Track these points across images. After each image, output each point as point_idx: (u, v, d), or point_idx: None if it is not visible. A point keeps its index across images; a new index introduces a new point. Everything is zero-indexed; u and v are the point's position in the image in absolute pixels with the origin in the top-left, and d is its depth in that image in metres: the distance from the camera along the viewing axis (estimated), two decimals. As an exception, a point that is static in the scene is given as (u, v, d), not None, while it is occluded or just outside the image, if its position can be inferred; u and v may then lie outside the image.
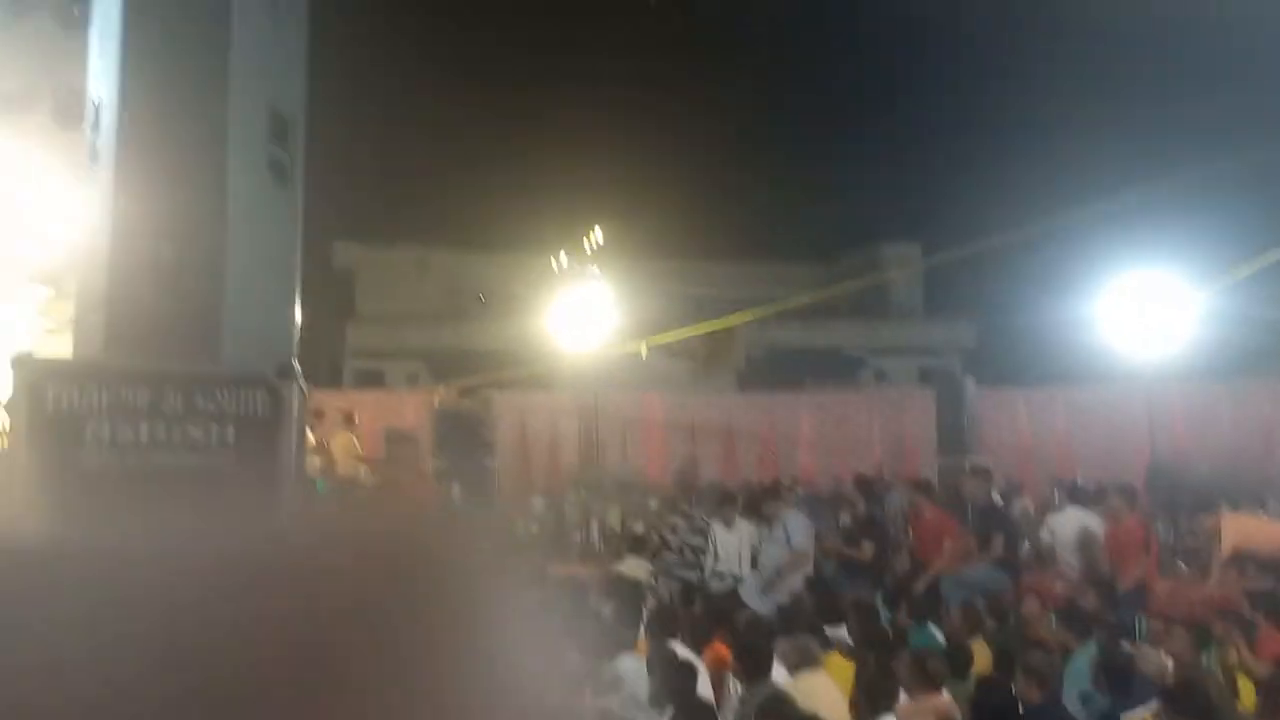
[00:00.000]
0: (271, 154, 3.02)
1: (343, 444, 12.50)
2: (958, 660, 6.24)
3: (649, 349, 18.21)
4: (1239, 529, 8.42)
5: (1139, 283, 14.39)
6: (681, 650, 6.64)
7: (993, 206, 15.10)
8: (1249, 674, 6.46)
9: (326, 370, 22.15)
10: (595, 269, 16.57)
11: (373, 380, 22.72)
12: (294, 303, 3.63)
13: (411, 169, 23.70)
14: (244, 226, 2.84)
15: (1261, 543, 8.21)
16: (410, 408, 17.14)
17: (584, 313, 16.29)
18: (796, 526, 8.99)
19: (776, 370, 23.41)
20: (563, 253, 16.89)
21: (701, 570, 9.65)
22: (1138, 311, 14.46)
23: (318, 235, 24.47)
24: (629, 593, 8.16)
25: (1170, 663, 6.14)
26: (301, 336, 4.69)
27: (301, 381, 3.58)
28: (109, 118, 2.80)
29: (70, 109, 3.78)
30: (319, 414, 12.04)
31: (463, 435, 10.99)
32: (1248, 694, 6.09)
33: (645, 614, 7.45)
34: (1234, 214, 16.55)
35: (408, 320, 24.04)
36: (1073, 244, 16.80)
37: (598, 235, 16.61)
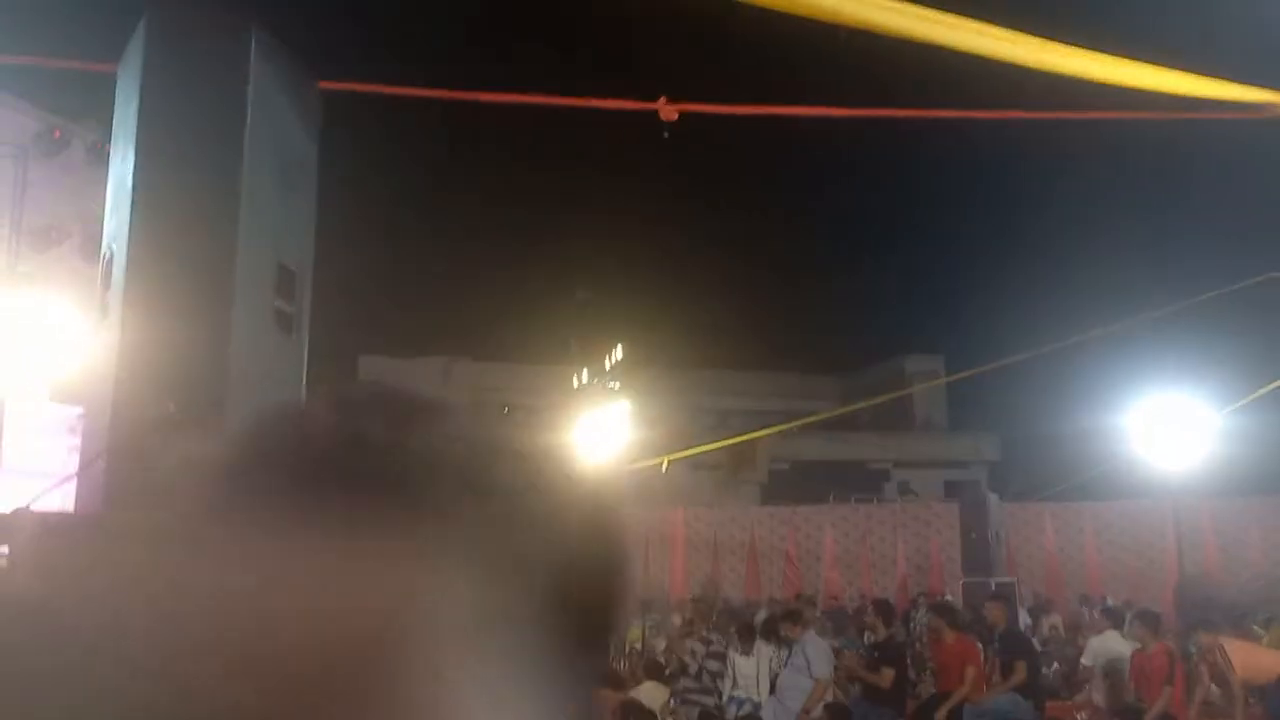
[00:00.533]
0: (277, 307, 3.13)
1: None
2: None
3: (671, 463, 18.22)
4: (1244, 656, 8.24)
5: (1161, 400, 14.32)
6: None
7: (1016, 321, 15.23)
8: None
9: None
10: (615, 384, 16.67)
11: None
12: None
13: (438, 283, 24.23)
14: (247, 378, 2.93)
15: (1254, 671, 8.03)
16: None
17: (604, 429, 16.34)
18: (816, 652, 8.83)
19: (800, 483, 23.31)
20: (585, 369, 17.04)
21: (719, 696, 9.47)
22: (1160, 427, 14.35)
23: (345, 350, 24.96)
24: (644, 720, 8.01)
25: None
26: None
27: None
28: (118, 272, 2.93)
29: (96, 243, 3.94)
30: None
31: None
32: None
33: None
34: (1253, 334, 16.53)
35: (432, 430, 24.19)
36: (1095, 360, 16.79)
37: (619, 352, 16.76)
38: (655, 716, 8.30)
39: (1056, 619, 15.11)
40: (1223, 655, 8.17)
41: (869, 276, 27.69)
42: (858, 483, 24.16)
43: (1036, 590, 16.96)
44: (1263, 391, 14.12)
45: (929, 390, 26.63)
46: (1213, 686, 8.26)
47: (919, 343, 24.82)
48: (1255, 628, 12.22)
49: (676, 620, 12.93)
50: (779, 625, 9.85)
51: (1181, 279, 14.15)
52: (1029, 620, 13.81)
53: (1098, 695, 8.87)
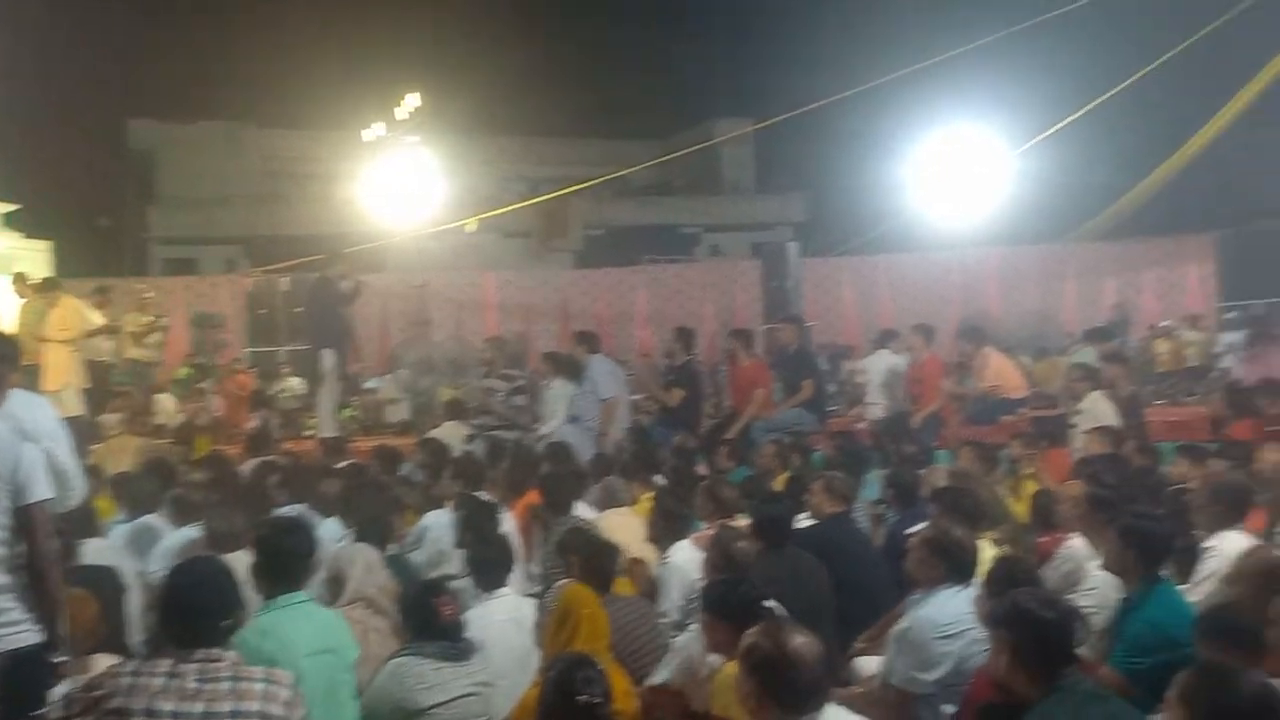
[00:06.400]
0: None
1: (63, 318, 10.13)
2: (755, 489, 6.28)
3: (479, 226, 17.74)
4: (996, 367, 9.04)
5: (953, 141, 14.68)
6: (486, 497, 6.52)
7: (823, 80, 15.05)
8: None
9: (130, 258, 20.77)
10: (416, 139, 15.78)
11: (185, 269, 21.40)
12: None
13: (215, 39, 22.01)
14: None
15: (1002, 380, 8.87)
16: (224, 293, 16.26)
17: (407, 186, 15.57)
18: (600, 375, 8.94)
19: (613, 249, 23.25)
20: (380, 124, 15.99)
21: (522, 429, 9.51)
22: (952, 174, 14.81)
23: (109, 113, 22.64)
24: (438, 454, 7.96)
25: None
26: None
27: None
28: None
29: None
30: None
31: (330, 309, 10.39)
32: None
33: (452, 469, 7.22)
34: (1045, 73, 17.02)
35: (220, 204, 22.61)
36: (894, 108, 16.97)
37: (415, 101, 15.76)
38: (448, 446, 8.28)
39: (855, 364, 15.94)
40: (981, 360, 8.83)
41: (677, 41, 26.93)
42: (670, 247, 24.34)
43: (835, 339, 17.73)
44: (1051, 131, 14.69)
45: (738, 155, 26.73)
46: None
47: (729, 106, 24.57)
48: (1024, 358, 13.17)
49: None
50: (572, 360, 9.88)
51: (985, 13, 14.23)
52: (828, 366, 14.53)
53: (875, 408, 9.42)
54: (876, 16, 21.69)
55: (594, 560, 4.28)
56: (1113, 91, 14.05)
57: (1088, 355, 9.93)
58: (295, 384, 13.33)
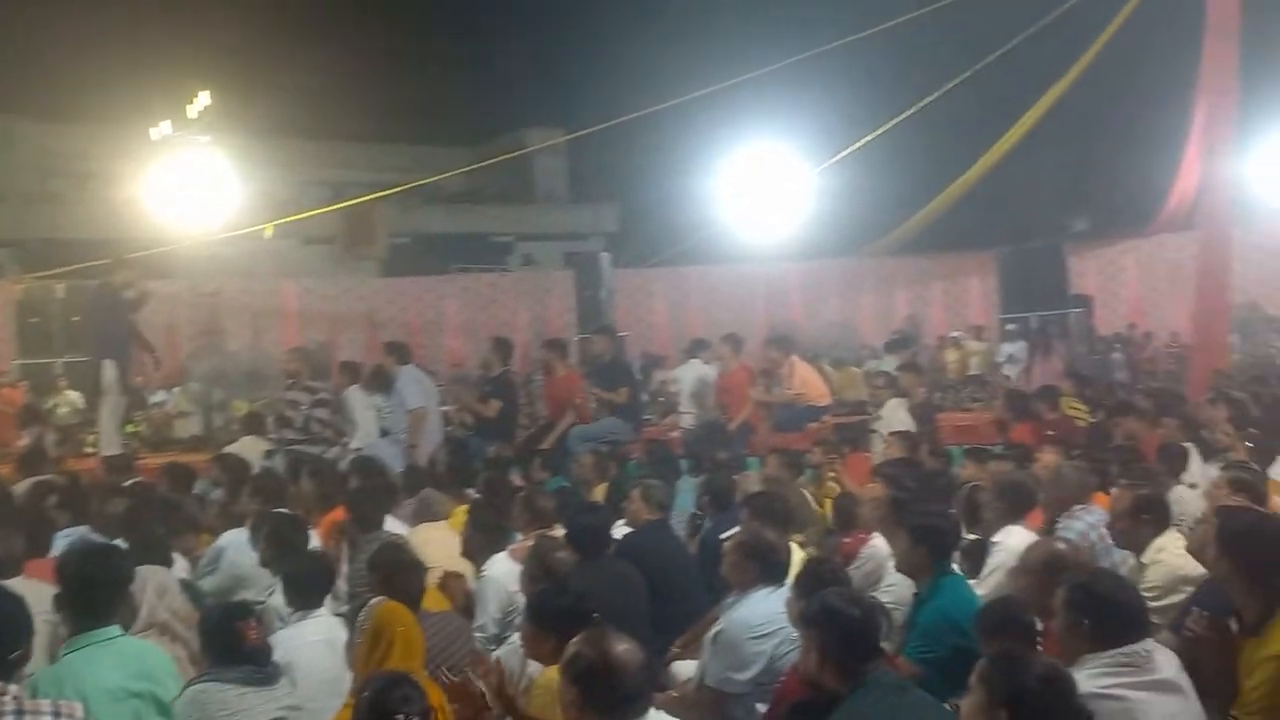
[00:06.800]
0: None
1: None
2: (572, 499, 6.27)
3: (277, 232, 16.94)
4: (802, 376, 9.49)
5: (758, 157, 15.17)
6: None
7: (635, 93, 15.25)
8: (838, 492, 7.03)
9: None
10: (208, 139, 14.93)
11: (-54, 272, 19.50)
12: None
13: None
14: None
15: (806, 388, 9.31)
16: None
17: (198, 189, 14.70)
18: (407, 386, 8.77)
19: (422, 257, 22.76)
20: (169, 122, 15.04)
21: (328, 444, 9.16)
22: (757, 189, 15.30)
23: None
24: (236, 470, 7.56)
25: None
26: None
27: None
28: None
29: None
30: None
31: (112, 318, 9.68)
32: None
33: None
34: (844, 95, 17.83)
35: (-13, 203, 20.76)
36: (704, 123, 17.39)
37: (208, 99, 14.90)
38: (247, 463, 7.88)
39: (667, 374, 16.22)
40: (788, 368, 9.17)
41: (488, 47, 26.71)
42: (482, 256, 24.05)
43: (646, 350, 17.99)
44: (848, 151, 15.42)
45: (551, 164, 26.72)
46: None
47: (541, 115, 24.52)
48: (826, 365, 13.75)
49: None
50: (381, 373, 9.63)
51: (796, 33, 14.79)
52: (641, 377, 14.74)
53: (687, 416, 9.61)
54: (688, 33, 22.21)
55: (401, 576, 4.15)
56: (903, 116, 14.89)
57: (888, 364, 10.48)
58: (73, 398, 12.45)
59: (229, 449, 8.92)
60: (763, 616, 4.17)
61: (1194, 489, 6.04)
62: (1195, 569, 4.20)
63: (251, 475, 7.20)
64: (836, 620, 3.24)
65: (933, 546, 4.24)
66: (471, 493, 7.07)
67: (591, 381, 9.46)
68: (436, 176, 18.47)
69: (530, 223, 25.37)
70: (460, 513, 6.44)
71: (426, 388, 9.23)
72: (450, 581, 5.27)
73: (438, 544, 5.77)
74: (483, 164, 20.02)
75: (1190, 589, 4.13)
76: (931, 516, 4.41)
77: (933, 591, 4.16)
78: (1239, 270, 12.41)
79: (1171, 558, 4.38)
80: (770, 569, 4.32)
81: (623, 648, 2.86)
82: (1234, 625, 3.50)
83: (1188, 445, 6.92)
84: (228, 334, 16.43)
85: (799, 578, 4.09)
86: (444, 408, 10.22)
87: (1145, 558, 4.47)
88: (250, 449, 8.87)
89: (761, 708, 4.03)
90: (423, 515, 6.39)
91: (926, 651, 3.93)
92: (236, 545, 5.95)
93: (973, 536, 5.06)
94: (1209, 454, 6.88)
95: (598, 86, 21.67)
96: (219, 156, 14.93)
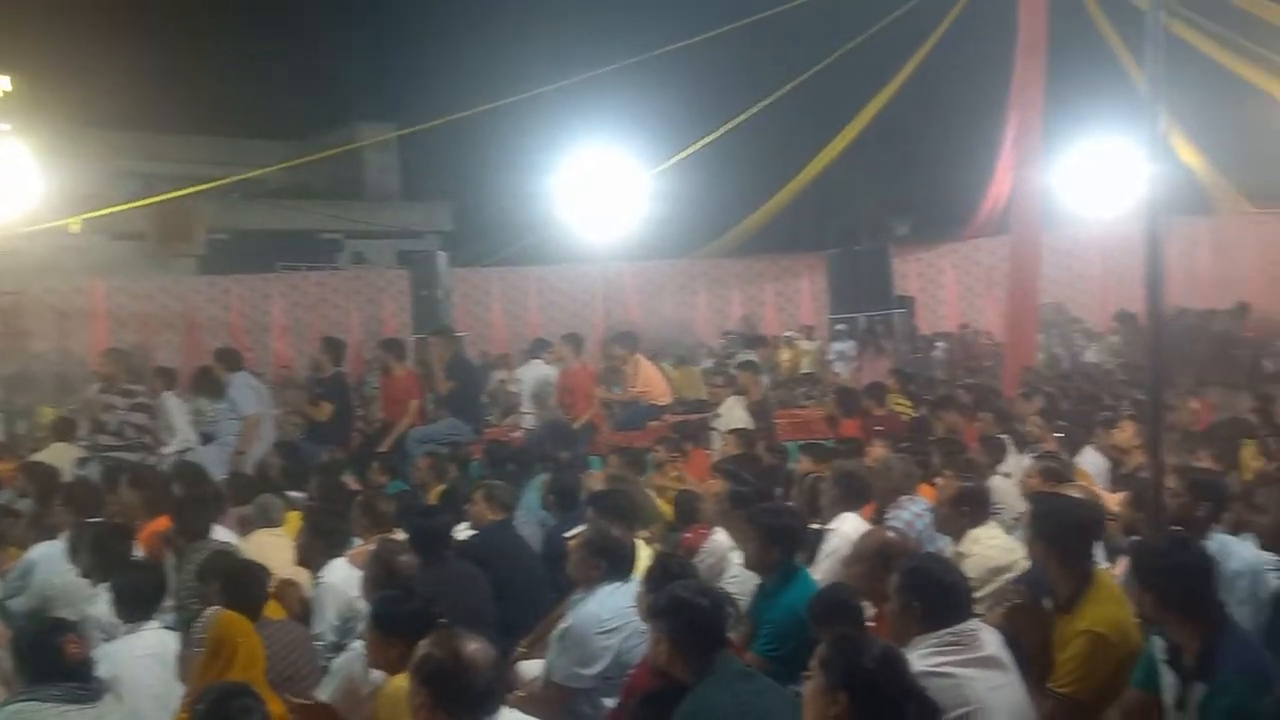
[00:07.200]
0: None
1: None
2: (412, 502, 6.16)
3: (83, 226, 15.90)
4: (645, 374, 9.65)
5: (595, 157, 15.22)
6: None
7: (471, 90, 15.05)
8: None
9: None
10: (6, 128, 13.88)
11: None
12: None
13: None
14: None
15: (648, 387, 9.51)
16: None
17: (-6, 177, 13.63)
18: (239, 392, 8.42)
19: (245, 255, 21.81)
20: (-41, 104, 13.91)
21: (146, 450, 8.68)
22: (594, 189, 15.35)
23: None
24: (46, 479, 7.08)
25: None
26: None
27: None
28: None
29: None
30: None
31: None
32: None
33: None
34: (679, 98, 18.14)
35: None
36: (541, 123, 17.34)
37: (6, 85, 13.86)
38: (57, 471, 7.40)
39: (505, 373, 16.10)
40: (633, 366, 9.27)
41: (317, 38, 25.83)
42: (309, 254, 23.26)
43: (485, 350, 17.81)
44: (683, 155, 15.68)
45: (383, 160, 26.09)
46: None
47: (372, 110, 23.93)
48: (665, 365, 13.95)
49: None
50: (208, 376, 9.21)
51: (632, 33, 14.88)
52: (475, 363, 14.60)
53: (529, 416, 9.57)
54: (526, 32, 22.13)
55: (241, 585, 3.97)
56: (736, 121, 15.28)
57: (748, 356, 10.78)
58: None
59: (36, 457, 8.35)
60: (610, 611, 4.20)
61: (1009, 479, 6.43)
62: (1007, 559, 4.48)
63: (62, 484, 6.74)
64: (686, 611, 3.29)
65: (784, 546, 4.36)
66: (302, 497, 6.84)
67: (429, 382, 9.30)
68: (259, 171, 17.76)
69: (361, 219, 24.67)
70: (294, 519, 6.23)
71: (261, 394, 8.89)
72: (285, 589, 5.08)
73: (272, 551, 5.57)
74: (309, 158, 19.31)
75: (1002, 578, 4.39)
76: (783, 516, 4.52)
77: (780, 586, 4.28)
78: (1046, 273, 13.23)
79: (985, 549, 4.61)
80: (617, 564, 4.35)
81: (474, 646, 2.82)
82: (1049, 604, 3.74)
83: (1004, 437, 7.37)
84: (31, 336, 15.33)
85: (648, 572, 4.13)
86: (274, 412, 9.85)
87: (962, 547, 4.71)
88: (60, 456, 8.33)
89: (609, 702, 4.05)
90: (260, 521, 6.15)
91: (777, 648, 4.03)
92: (48, 559, 5.62)
93: (814, 525, 5.24)
94: (1022, 445, 7.34)
95: (433, 82, 21.36)
96: (20, 147, 13.90)
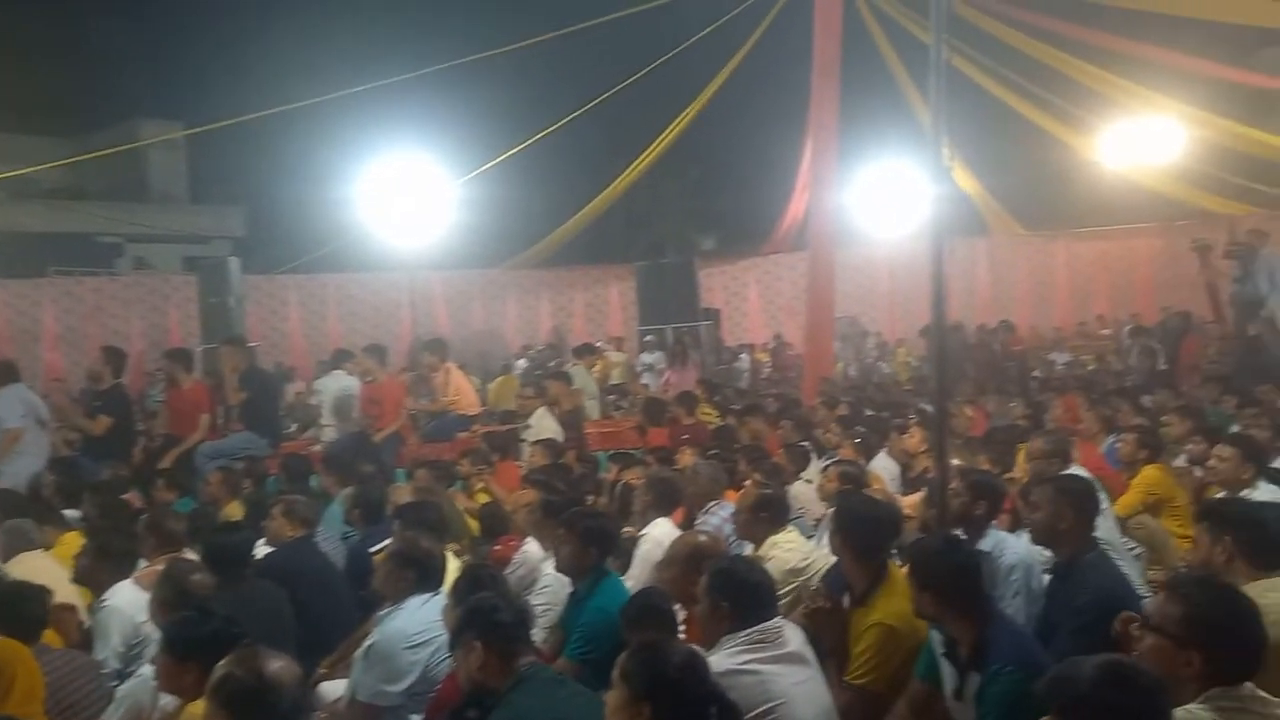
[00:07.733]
0: None
1: None
2: (204, 520, 5.82)
3: None
4: (456, 384, 9.58)
5: (400, 165, 14.92)
6: None
7: (264, 92, 14.43)
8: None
9: None
10: None
11: None
12: None
13: None
14: None
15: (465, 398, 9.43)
16: None
17: None
18: (7, 402, 7.76)
19: (13, 258, 20.11)
20: None
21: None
22: (399, 197, 15.03)
23: None
24: None
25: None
26: None
27: None
28: None
29: None
30: None
31: None
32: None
33: None
34: (486, 109, 18.02)
35: None
36: (341, 128, 16.88)
37: None
38: None
39: (301, 385, 15.48)
40: (444, 375, 9.14)
41: (93, 30, 24.17)
42: (85, 258, 21.65)
43: (280, 360, 17.11)
44: (490, 165, 15.58)
45: (168, 161, 24.69)
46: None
47: (157, 107, 22.55)
48: (473, 377, 13.80)
49: None
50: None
51: (437, 39, 14.67)
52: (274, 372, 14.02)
53: (329, 429, 9.22)
54: (326, 31, 21.45)
55: (12, 607, 3.64)
56: (545, 132, 15.31)
57: (579, 372, 10.87)
58: None
59: None
60: (419, 625, 4.10)
61: (810, 484, 6.69)
62: (803, 562, 4.67)
63: None
64: (489, 623, 3.26)
65: (600, 548, 4.38)
66: (77, 516, 6.35)
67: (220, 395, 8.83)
68: (30, 169, 16.49)
69: (144, 223, 23.19)
70: (69, 540, 5.77)
71: (32, 406, 8.18)
72: (61, 614, 4.68)
73: (43, 575, 5.12)
74: (86, 155, 18.09)
75: (800, 579, 4.57)
76: (598, 518, 4.56)
77: (592, 590, 4.29)
78: (840, 288, 13.89)
79: (783, 553, 4.77)
80: (426, 575, 4.25)
81: (277, 665, 2.69)
82: (846, 600, 3.92)
83: (805, 444, 7.67)
84: None
85: (456, 583, 4.05)
86: (53, 425, 9.11)
87: (761, 551, 4.87)
88: None
89: (415, 718, 3.95)
90: (17, 545, 5.62)
91: (588, 652, 4.04)
92: None
93: (626, 531, 5.29)
94: (820, 451, 7.66)
95: (226, 80, 20.40)
96: None
